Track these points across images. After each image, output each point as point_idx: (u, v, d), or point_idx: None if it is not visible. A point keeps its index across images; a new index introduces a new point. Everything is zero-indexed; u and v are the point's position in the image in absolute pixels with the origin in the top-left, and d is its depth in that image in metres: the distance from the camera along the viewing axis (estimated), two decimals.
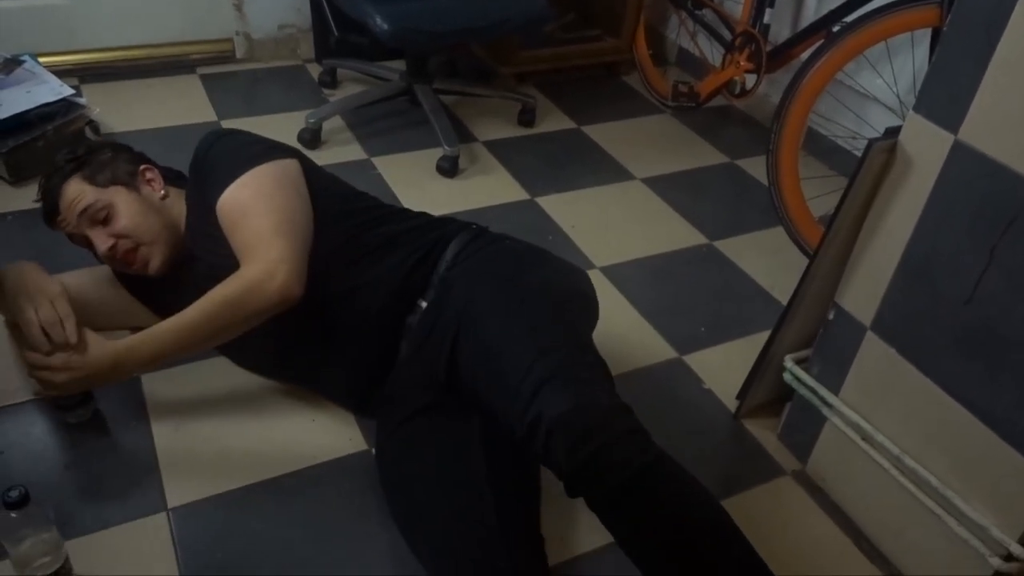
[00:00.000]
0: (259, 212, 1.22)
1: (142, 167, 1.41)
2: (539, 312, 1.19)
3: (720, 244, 2.02)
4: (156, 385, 1.46)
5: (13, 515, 1.03)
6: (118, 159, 1.40)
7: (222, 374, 1.49)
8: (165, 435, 1.37)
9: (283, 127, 2.24)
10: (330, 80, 2.54)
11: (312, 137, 2.21)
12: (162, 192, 1.40)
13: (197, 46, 2.55)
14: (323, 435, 1.41)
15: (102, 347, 1.18)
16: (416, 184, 2.12)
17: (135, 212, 1.33)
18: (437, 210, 1.93)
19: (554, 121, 2.52)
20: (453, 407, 1.23)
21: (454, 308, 1.22)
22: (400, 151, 2.26)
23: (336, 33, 2.08)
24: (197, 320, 1.16)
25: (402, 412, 1.26)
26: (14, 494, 1.02)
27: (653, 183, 2.24)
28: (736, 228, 2.08)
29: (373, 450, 1.38)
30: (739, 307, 1.82)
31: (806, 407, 1.39)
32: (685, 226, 2.08)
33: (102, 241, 1.32)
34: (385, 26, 1.90)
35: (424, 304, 1.30)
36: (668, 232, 2.05)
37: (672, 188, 2.23)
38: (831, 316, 1.31)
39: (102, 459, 1.33)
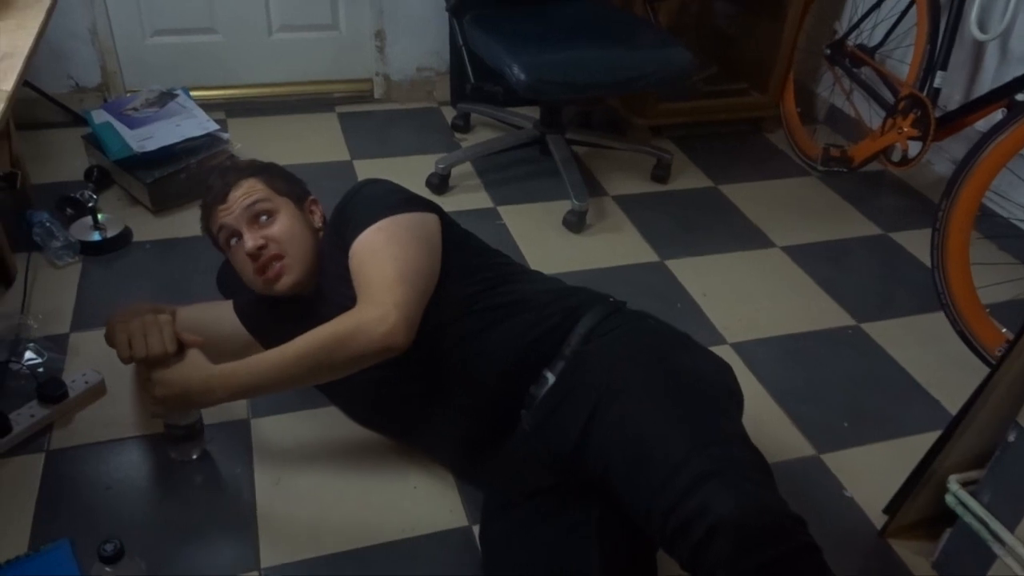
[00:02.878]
0: (387, 257, 1.21)
1: (311, 197, 1.46)
2: (693, 401, 1.09)
3: (869, 327, 1.83)
4: (263, 430, 1.44)
5: (108, 569, 1.00)
6: (295, 180, 1.46)
7: (329, 426, 1.45)
8: (266, 488, 1.33)
9: (413, 170, 2.23)
10: (463, 124, 2.53)
11: (440, 182, 2.18)
12: (319, 224, 1.43)
13: (338, 85, 2.61)
14: (423, 504, 1.33)
15: (198, 367, 1.19)
16: (540, 237, 2.05)
17: (294, 226, 1.35)
18: (560, 267, 1.85)
19: (690, 178, 2.40)
20: (572, 492, 1.13)
21: (591, 385, 1.13)
22: (527, 201, 2.20)
23: (472, 80, 2.05)
24: (298, 355, 1.13)
25: (515, 490, 1.18)
26: (109, 548, 0.99)
27: (795, 252, 2.08)
28: (888, 310, 1.88)
29: (475, 527, 1.29)
30: (889, 402, 1.62)
31: (971, 539, 1.19)
32: (829, 303, 1.90)
33: (253, 239, 1.32)
34: (522, 76, 1.85)
35: (551, 376, 1.21)
36: (810, 308, 1.88)
37: (816, 259, 2.05)
38: (1011, 438, 1.12)
39: (203, 506, 1.30)
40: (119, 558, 0.99)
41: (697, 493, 0.93)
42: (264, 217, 1.34)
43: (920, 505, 1.30)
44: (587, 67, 1.95)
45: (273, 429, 1.44)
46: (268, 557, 1.23)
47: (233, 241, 1.36)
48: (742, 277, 1.98)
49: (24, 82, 2.21)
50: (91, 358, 1.53)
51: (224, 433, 1.42)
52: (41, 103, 2.27)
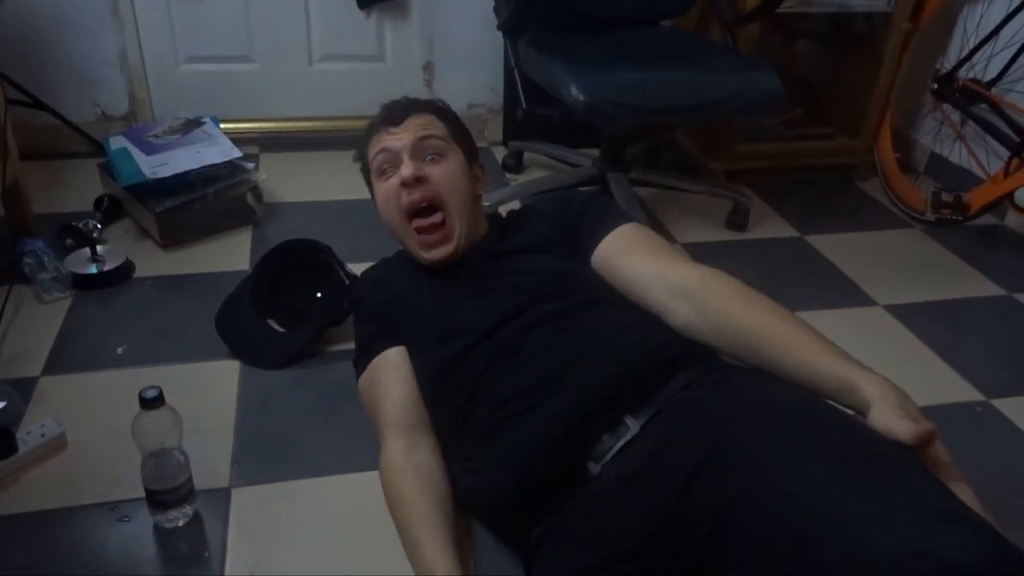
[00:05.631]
0: (662, 243, 1.23)
1: (480, 162, 1.34)
2: (855, 445, 0.86)
3: (1001, 403, 1.47)
4: (245, 502, 1.16)
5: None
6: (471, 137, 1.33)
7: (324, 500, 1.17)
8: None
9: None
10: (515, 164, 2.29)
11: None
12: (480, 193, 1.31)
13: None
14: None
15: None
16: None
17: (459, 177, 1.23)
18: None
19: (771, 227, 2.09)
20: (656, 563, 0.87)
21: (705, 423, 0.91)
22: None
23: (524, 105, 1.82)
24: None
25: (583, 560, 0.92)
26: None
27: (902, 312, 1.74)
28: (1023, 384, 1.53)
29: None
30: None
31: None
32: (949, 374, 1.56)
33: (410, 170, 1.18)
34: (581, 97, 1.60)
35: (633, 424, 0.97)
36: (925, 379, 1.54)
37: (929, 321, 1.71)
38: None
39: None
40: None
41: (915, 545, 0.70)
42: (431, 156, 1.21)
43: None
44: (659, 88, 1.68)
45: (257, 501, 1.17)
46: None
47: (387, 169, 1.22)
48: (840, 338, 1.59)
49: (46, 107, 2.08)
50: (58, 406, 1.29)
51: (199, 504, 1.15)
52: (62, 131, 2.13)
